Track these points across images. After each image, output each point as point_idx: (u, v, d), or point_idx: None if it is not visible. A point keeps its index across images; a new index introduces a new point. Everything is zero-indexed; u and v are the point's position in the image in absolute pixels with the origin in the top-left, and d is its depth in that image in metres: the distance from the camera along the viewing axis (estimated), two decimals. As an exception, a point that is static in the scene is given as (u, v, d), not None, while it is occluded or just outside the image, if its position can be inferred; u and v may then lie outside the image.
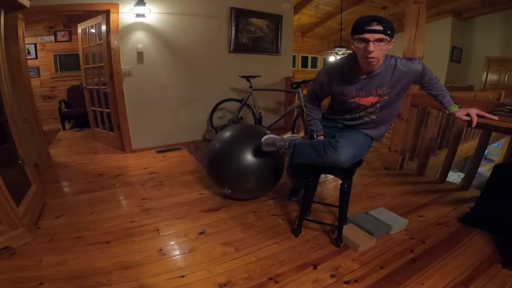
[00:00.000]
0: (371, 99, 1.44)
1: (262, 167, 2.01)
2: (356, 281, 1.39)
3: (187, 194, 2.35)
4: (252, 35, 3.98)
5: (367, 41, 1.21)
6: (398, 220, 1.85)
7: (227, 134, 2.15)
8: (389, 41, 1.24)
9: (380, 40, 1.21)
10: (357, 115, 1.54)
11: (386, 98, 1.43)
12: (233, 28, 3.74)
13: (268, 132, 2.07)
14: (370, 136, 1.61)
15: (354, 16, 7.10)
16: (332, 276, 1.42)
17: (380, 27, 1.19)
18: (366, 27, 1.20)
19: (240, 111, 3.76)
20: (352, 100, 1.48)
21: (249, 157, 1.97)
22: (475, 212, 1.86)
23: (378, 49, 1.23)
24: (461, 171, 6.30)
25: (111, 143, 3.67)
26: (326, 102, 1.84)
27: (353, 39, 1.27)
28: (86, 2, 2.84)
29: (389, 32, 1.21)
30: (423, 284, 1.36)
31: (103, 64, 3.24)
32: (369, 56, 1.23)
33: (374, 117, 1.52)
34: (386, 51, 1.28)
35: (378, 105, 1.46)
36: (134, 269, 1.47)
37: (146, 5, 2.97)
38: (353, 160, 1.48)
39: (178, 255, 1.60)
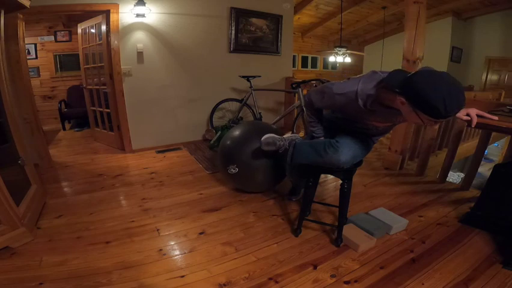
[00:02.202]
0: (387, 124, 1.43)
1: (273, 161, 2.09)
2: (356, 281, 1.39)
3: (187, 194, 2.35)
4: (252, 35, 3.97)
5: (438, 122, 1.06)
6: (398, 220, 1.85)
7: (243, 128, 2.25)
8: None
9: None
10: (365, 127, 1.51)
11: (400, 122, 1.40)
12: (233, 28, 3.74)
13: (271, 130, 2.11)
14: (371, 138, 1.61)
15: (354, 16, 7.12)
16: (332, 276, 1.42)
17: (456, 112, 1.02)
18: (449, 115, 0.98)
19: (240, 111, 3.76)
20: (367, 122, 1.44)
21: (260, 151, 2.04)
22: (475, 212, 1.86)
23: None
24: (461, 171, 6.31)
25: (111, 143, 3.67)
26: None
27: (418, 111, 1.02)
28: (86, 2, 2.84)
29: None
30: (423, 284, 1.36)
31: (103, 64, 3.24)
32: (428, 125, 1.14)
33: (381, 129, 1.52)
34: None
35: (391, 125, 1.46)
36: (134, 269, 1.47)
37: (146, 5, 2.97)
38: (353, 161, 1.48)
39: (178, 255, 1.60)
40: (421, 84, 0.98)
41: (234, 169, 2.11)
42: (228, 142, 2.20)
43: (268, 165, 2.10)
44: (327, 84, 1.41)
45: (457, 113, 1.01)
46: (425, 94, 0.96)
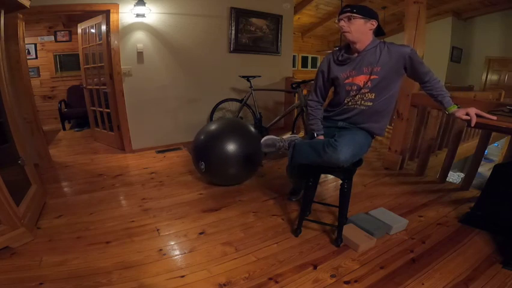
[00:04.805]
0: (363, 78, 1.51)
1: (242, 155, 2.30)
2: (356, 281, 1.39)
3: (187, 194, 2.35)
4: (252, 35, 3.97)
5: (339, 20, 1.49)
6: (398, 220, 1.85)
7: (214, 126, 2.46)
8: (361, 19, 1.43)
9: (348, 18, 1.44)
10: (353, 100, 1.57)
11: (377, 77, 1.48)
12: (233, 28, 3.74)
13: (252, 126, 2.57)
14: (371, 131, 1.62)
15: (354, 16, 7.12)
16: (332, 276, 1.42)
17: (348, 9, 1.45)
18: (340, 12, 1.49)
19: (240, 111, 3.76)
20: (346, 81, 1.56)
21: (231, 146, 2.28)
22: (475, 212, 1.86)
23: (349, 25, 1.45)
24: (461, 171, 6.31)
25: (111, 143, 3.67)
26: (325, 102, 1.83)
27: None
28: (86, 2, 2.84)
29: (355, 10, 1.43)
30: (423, 284, 1.36)
31: (103, 64, 3.24)
32: (342, 31, 1.49)
33: (370, 103, 1.53)
34: (361, 28, 1.45)
35: (369, 83, 1.50)
36: (134, 269, 1.47)
37: (146, 5, 2.97)
38: (353, 159, 1.48)
39: (178, 255, 1.60)
40: None
41: (201, 165, 2.28)
42: (202, 137, 2.41)
43: (235, 160, 2.28)
44: None
45: (344, 9, 1.47)
46: None
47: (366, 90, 1.52)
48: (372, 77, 1.49)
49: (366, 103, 1.54)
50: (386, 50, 1.47)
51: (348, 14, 1.44)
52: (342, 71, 1.57)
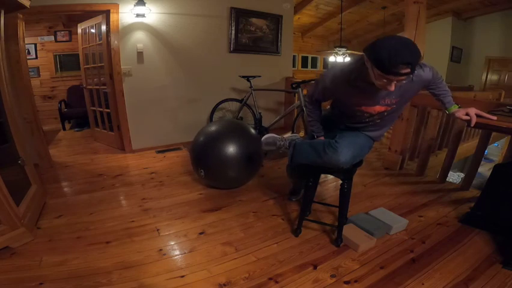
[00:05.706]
0: (378, 109, 1.39)
1: (242, 157, 2.24)
2: (356, 281, 1.39)
3: (187, 194, 2.35)
4: (252, 35, 3.97)
5: (390, 80, 1.10)
6: (398, 220, 1.85)
7: (213, 127, 2.39)
8: None
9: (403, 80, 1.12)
10: (362, 121, 1.51)
11: (394, 106, 1.39)
12: (233, 28, 3.74)
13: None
14: (371, 137, 1.61)
15: (354, 16, 7.14)
16: (332, 276, 1.42)
17: (408, 70, 1.05)
18: (394, 70, 1.04)
19: (240, 111, 3.76)
20: (358, 108, 1.43)
21: (231, 148, 2.21)
22: (475, 212, 1.86)
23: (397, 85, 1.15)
24: (461, 171, 6.31)
25: (111, 143, 3.67)
26: (326, 103, 1.83)
27: (373, 67, 1.11)
28: (86, 2, 2.83)
29: (416, 72, 1.14)
30: (423, 284, 1.36)
31: (103, 64, 3.24)
32: (386, 90, 1.17)
33: (378, 120, 1.50)
34: None
35: (385, 113, 1.43)
36: (134, 269, 1.47)
37: (146, 5, 2.96)
38: (353, 161, 1.48)
39: (178, 255, 1.60)
40: (377, 41, 1.10)
41: (200, 172, 2.26)
42: (200, 141, 2.32)
43: (235, 163, 2.23)
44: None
45: (401, 68, 1.03)
46: (375, 46, 1.08)
47: (378, 117, 1.46)
48: (390, 108, 1.38)
49: (375, 121, 1.50)
50: (408, 80, 1.21)
51: (406, 77, 1.09)
52: (353, 98, 1.39)
